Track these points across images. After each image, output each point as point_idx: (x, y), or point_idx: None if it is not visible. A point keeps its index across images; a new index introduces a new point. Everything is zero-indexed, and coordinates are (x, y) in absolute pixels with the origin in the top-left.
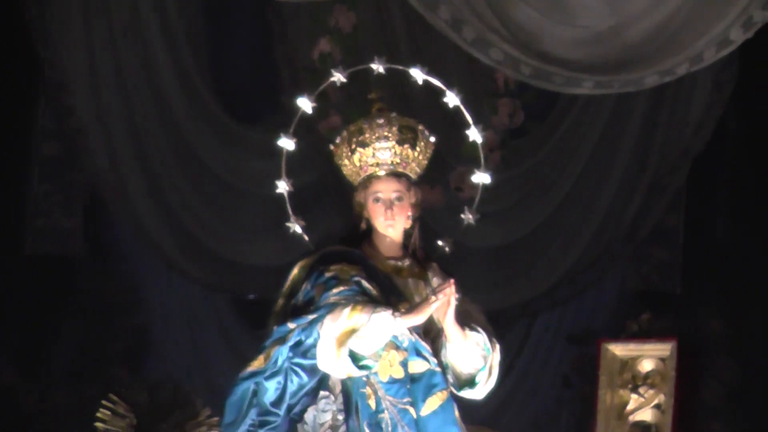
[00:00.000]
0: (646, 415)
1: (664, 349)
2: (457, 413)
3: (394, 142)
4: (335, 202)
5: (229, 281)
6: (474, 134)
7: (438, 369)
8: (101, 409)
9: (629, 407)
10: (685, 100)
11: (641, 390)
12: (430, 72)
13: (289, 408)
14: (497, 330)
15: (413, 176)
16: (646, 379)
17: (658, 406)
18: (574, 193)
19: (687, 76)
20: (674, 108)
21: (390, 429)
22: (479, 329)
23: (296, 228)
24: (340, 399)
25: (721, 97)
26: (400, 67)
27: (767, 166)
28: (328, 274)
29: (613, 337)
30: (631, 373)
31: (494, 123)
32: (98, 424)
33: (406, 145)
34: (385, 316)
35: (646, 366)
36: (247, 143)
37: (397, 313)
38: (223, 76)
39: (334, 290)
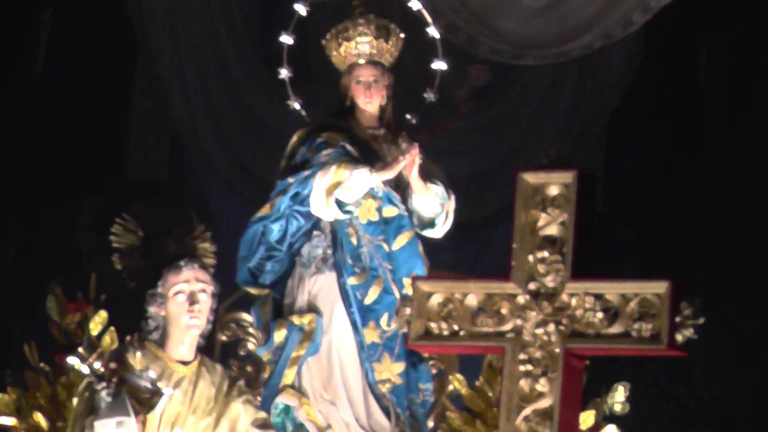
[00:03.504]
0: (553, 230)
1: (567, 177)
2: (420, 248)
3: (371, 37)
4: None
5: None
6: (433, 32)
7: (406, 213)
8: (114, 225)
9: (539, 224)
10: (605, 68)
11: (549, 210)
12: None
13: (290, 245)
14: (469, 236)
15: (387, 64)
16: (553, 201)
17: (562, 223)
18: (524, 136)
19: (605, 49)
20: (597, 74)
21: (368, 260)
22: (438, 183)
23: (295, 105)
24: (329, 237)
25: (631, 66)
26: None
27: (664, 116)
28: (319, 140)
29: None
30: (541, 196)
31: (467, 82)
32: (112, 238)
33: (381, 39)
34: (363, 172)
35: (553, 191)
36: (286, 99)
37: (373, 170)
38: (269, 49)
39: (324, 152)
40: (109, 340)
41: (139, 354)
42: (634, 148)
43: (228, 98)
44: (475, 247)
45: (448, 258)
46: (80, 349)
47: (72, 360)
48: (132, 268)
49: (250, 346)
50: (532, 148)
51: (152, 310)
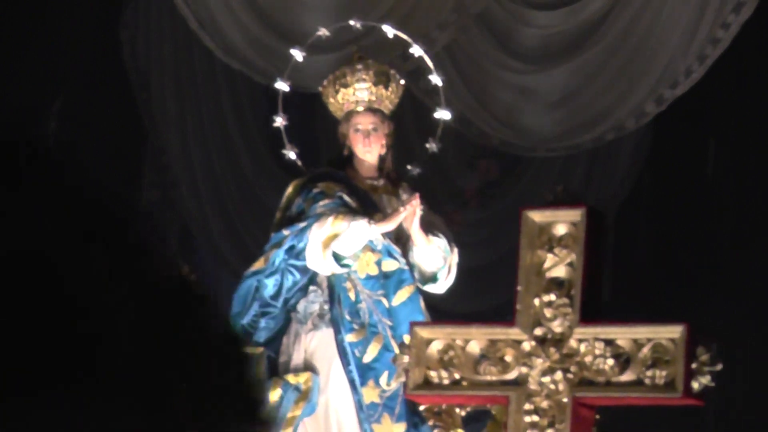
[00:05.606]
0: (561, 271)
1: (576, 214)
2: (422, 304)
3: (370, 83)
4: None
5: None
6: (435, 79)
7: (406, 267)
8: None
9: (546, 265)
10: (614, 159)
11: (556, 250)
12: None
13: (285, 301)
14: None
15: (386, 111)
16: (560, 241)
17: (570, 264)
18: None
19: (614, 141)
20: (605, 165)
21: (367, 316)
22: (440, 235)
23: (291, 155)
24: (326, 292)
25: (639, 158)
26: (373, 23)
27: (672, 207)
28: (316, 190)
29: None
30: (548, 236)
31: (475, 176)
32: None
33: (380, 86)
34: (362, 223)
35: (560, 230)
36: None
37: (372, 221)
38: (278, 141)
39: (321, 203)
40: None
41: None
42: (642, 237)
43: (237, 189)
44: None
45: None
46: None
47: None
48: None
49: None
50: None
51: None
